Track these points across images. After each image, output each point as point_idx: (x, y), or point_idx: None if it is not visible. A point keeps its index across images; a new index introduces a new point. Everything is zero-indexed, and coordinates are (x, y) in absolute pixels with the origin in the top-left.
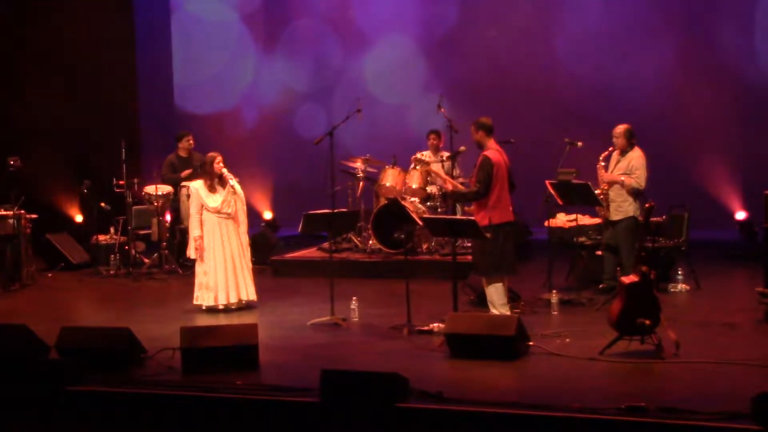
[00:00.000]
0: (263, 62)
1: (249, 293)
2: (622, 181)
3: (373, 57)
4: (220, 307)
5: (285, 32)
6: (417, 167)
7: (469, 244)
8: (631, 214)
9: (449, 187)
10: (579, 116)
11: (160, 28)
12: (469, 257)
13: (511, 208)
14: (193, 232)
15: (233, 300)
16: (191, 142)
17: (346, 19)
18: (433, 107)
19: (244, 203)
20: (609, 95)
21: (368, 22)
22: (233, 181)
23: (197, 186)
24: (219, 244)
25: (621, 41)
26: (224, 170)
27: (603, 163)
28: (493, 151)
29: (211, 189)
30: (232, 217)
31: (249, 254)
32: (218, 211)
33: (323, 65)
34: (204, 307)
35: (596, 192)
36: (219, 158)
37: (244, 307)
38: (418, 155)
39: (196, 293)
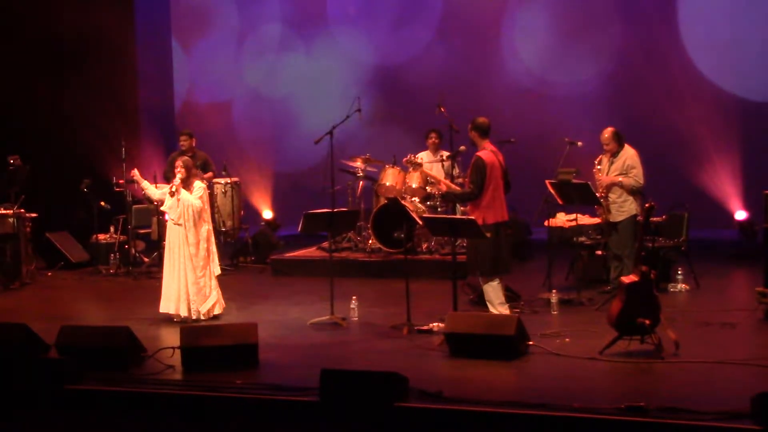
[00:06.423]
0: (263, 61)
1: (183, 309)
2: (621, 182)
3: (377, 56)
4: (172, 315)
5: (286, 30)
6: (410, 168)
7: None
8: (633, 212)
9: (443, 187)
10: (578, 117)
11: (160, 26)
12: None
13: (505, 208)
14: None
15: (171, 311)
16: (185, 142)
17: (358, 13)
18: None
19: (196, 211)
20: (608, 94)
21: (375, 20)
22: (198, 189)
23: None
24: (168, 250)
25: (620, 38)
26: (178, 176)
27: (598, 167)
28: (486, 151)
29: (171, 192)
30: (178, 224)
31: (205, 266)
32: (164, 214)
33: (326, 64)
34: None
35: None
36: (178, 162)
37: (182, 321)
38: (410, 157)
39: None
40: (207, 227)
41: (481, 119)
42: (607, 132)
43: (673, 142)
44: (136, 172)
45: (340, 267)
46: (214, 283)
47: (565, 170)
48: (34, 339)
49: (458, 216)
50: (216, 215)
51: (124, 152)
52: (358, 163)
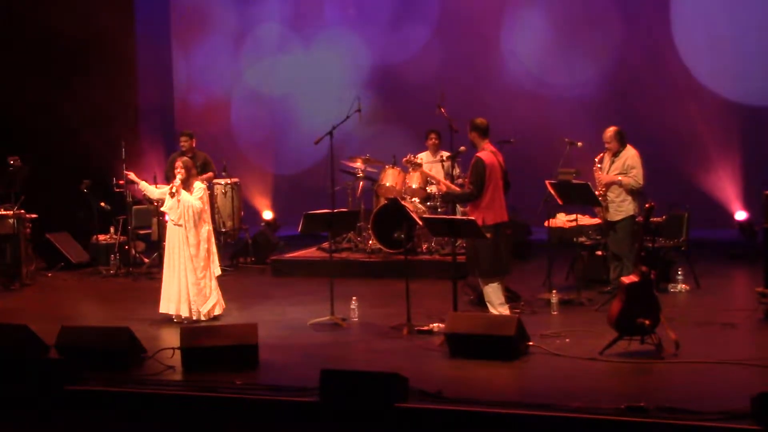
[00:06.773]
0: (262, 61)
1: (183, 309)
2: (620, 181)
3: (376, 56)
4: (172, 316)
5: (285, 31)
6: (410, 169)
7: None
8: (631, 213)
9: (443, 188)
10: (578, 118)
11: (160, 26)
12: None
13: (505, 208)
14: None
15: (171, 312)
16: (185, 143)
17: (357, 13)
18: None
19: (196, 212)
20: (607, 94)
21: (373, 21)
22: (198, 189)
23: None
24: (168, 251)
25: (620, 38)
26: (178, 177)
27: (599, 165)
28: (486, 152)
29: (171, 193)
30: (178, 225)
31: (205, 267)
32: (165, 214)
33: (325, 64)
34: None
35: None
36: (177, 162)
37: (182, 322)
38: (410, 157)
39: None
40: (207, 228)
41: (480, 120)
42: (610, 131)
43: (673, 143)
44: (132, 176)
45: (340, 267)
46: (215, 283)
47: (565, 170)
48: (34, 339)
49: (458, 216)
50: (216, 216)
51: (124, 152)
52: (358, 164)
